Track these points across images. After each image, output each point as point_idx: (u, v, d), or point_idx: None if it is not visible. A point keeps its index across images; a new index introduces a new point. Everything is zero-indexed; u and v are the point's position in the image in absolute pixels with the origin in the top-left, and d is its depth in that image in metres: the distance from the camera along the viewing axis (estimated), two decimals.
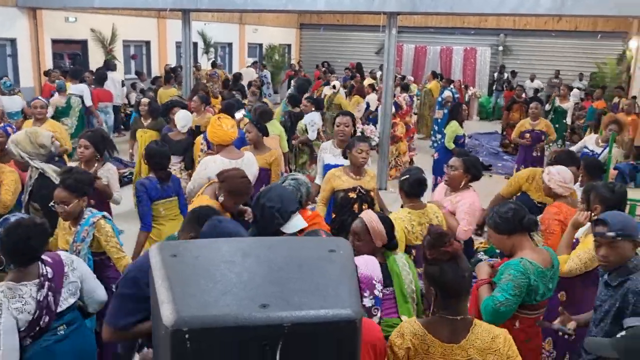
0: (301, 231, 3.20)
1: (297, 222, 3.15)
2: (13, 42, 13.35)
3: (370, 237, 3.03)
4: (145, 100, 7.51)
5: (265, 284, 1.35)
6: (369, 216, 3.10)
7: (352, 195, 4.63)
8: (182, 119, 6.35)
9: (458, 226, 4.17)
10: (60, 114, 8.88)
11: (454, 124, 8.38)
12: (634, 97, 13.26)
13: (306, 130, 7.77)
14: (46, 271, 2.75)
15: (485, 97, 18.83)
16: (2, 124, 5.91)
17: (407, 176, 3.95)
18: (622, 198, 3.62)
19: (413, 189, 3.95)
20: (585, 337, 2.99)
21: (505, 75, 18.75)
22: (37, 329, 2.68)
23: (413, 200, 3.97)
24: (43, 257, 2.82)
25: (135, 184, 4.65)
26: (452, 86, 14.07)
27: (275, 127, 7.06)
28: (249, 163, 4.74)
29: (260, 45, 22.06)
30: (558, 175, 4.19)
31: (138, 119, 7.61)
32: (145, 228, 4.38)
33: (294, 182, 3.72)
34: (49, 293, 2.71)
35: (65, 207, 3.46)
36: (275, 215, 3.06)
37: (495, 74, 19.34)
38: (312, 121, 7.81)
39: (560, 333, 3.17)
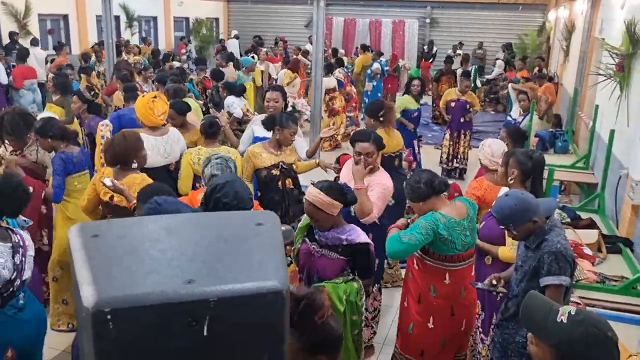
0: None
1: None
2: None
3: (325, 212, 3.08)
4: (50, 75, 7.28)
5: (192, 260, 1.33)
6: (311, 194, 3.13)
7: (276, 172, 4.63)
8: None
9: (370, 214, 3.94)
10: None
11: (405, 97, 8.52)
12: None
13: (230, 114, 7.73)
14: (17, 239, 2.84)
15: (415, 69, 19.16)
16: None
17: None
18: (540, 164, 3.81)
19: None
20: (509, 293, 3.18)
21: (435, 49, 19.08)
22: (10, 290, 2.74)
23: None
24: (7, 226, 2.91)
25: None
26: (381, 59, 14.21)
27: (191, 103, 6.95)
28: (175, 139, 4.66)
29: (187, 19, 21.44)
30: (488, 149, 4.37)
31: (49, 95, 7.36)
32: (55, 195, 4.32)
33: (220, 161, 3.68)
34: (23, 259, 2.80)
35: None
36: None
37: (425, 47, 19.65)
38: (231, 104, 7.78)
39: (494, 293, 3.35)
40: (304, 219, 3.41)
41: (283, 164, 4.63)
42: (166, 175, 4.50)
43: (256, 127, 5.39)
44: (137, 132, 4.06)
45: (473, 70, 13.92)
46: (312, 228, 3.33)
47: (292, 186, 4.67)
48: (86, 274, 1.26)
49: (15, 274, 2.76)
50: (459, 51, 18.10)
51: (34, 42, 13.07)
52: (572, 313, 1.95)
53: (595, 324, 1.93)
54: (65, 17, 16.41)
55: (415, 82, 8.74)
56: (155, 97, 4.59)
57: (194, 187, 4.45)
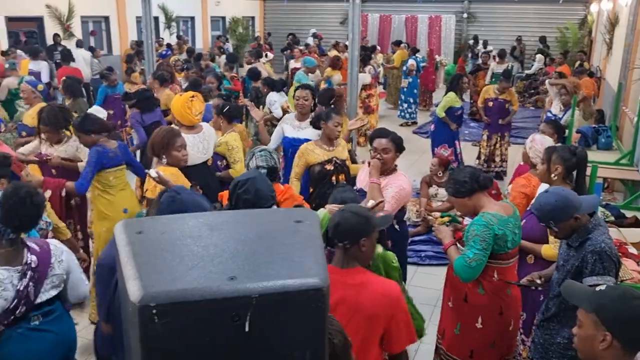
0: None
1: None
2: None
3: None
4: (64, 79, 7.31)
5: (233, 257, 1.35)
6: (331, 211, 3.10)
7: (329, 167, 4.63)
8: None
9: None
10: (14, 97, 8.53)
11: (451, 94, 8.39)
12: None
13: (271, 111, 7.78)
14: (31, 260, 2.64)
15: (451, 64, 18.91)
16: None
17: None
18: (583, 160, 3.72)
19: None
20: (551, 293, 3.12)
21: (481, 43, 18.65)
22: (12, 318, 2.59)
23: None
24: (30, 244, 2.71)
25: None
26: (417, 55, 14.09)
27: None
28: (209, 135, 4.72)
29: (224, 18, 21.67)
30: (539, 146, 4.26)
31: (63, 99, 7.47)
32: (78, 185, 4.33)
33: (264, 153, 3.74)
34: (30, 283, 2.61)
35: None
36: (249, 209, 3.01)
37: (471, 42, 19.20)
38: (273, 102, 7.80)
39: (533, 288, 3.30)
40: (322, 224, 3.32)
41: (336, 160, 4.65)
42: (206, 171, 4.57)
43: (286, 127, 5.39)
44: (176, 130, 4.12)
45: (509, 67, 13.67)
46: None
47: (344, 181, 4.68)
48: (132, 269, 1.29)
49: (16, 302, 2.58)
50: (516, 45, 17.77)
51: (79, 44, 13.46)
52: (610, 284, 2.00)
53: (631, 290, 2.02)
54: (107, 19, 16.81)
55: (464, 79, 8.72)
56: (193, 96, 4.65)
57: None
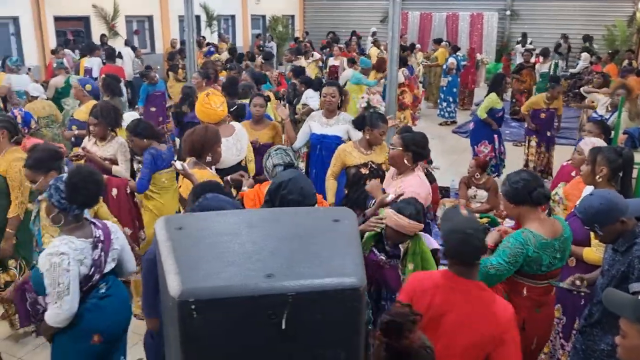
0: None
1: None
2: (15, 20, 13.29)
3: (402, 234, 3.08)
4: (103, 77, 7.39)
5: (271, 254, 1.36)
6: (389, 218, 3.10)
7: (364, 171, 4.59)
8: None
9: None
10: (60, 95, 8.78)
11: (492, 95, 8.24)
12: None
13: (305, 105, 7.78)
14: (99, 233, 2.92)
15: (493, 63, 18.57)
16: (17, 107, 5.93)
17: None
18: (629, 162, 3.60)
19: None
20: (594, 298, 3.02)
21: (530, 40, 18.18)
22: (89, 284, 2.86)
23: None
24: (93, 220, 3.01)
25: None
26: (457, 53, 13.90)
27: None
28: (241, 136, 4.74)
29: (264, 16, 21.83)
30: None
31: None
32: (138, 185, 4.46)
33: (279, 151, 3.76)
34: (102, 253, 2.89)
35: (33, 185, 3.67)
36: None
37: (519, 39, 18.71)
38: (310, 97, 7.80)
39: (575, 292, 3.20)
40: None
41: (372, 163, 4.60)
42: (241, 170, 4.60)
43: (313, 123, 5.37)
44: (217, 128, 4.15)
45: (553, 65, 13.33)
46: (381, 237, 3.28)
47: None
48: (172, 264, 1.32)
49: (93, 269, 2.84)
50: (562, 43, 17.32)
51: (127, 43, 13.79)
52: None
53: None
54: (150, 18, 17.15)
55: (506, 79, 8.54)
56: (207, 93, 4.71)
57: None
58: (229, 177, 4.13)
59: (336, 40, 17.40)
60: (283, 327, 1.24)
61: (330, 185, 4.72)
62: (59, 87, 8.87)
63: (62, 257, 2.73)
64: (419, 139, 3.96)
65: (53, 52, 12.40)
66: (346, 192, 4.72)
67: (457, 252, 2.45)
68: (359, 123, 4.71)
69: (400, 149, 3.88)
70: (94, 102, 6.24)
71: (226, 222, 1.53)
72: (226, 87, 6.57)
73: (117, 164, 4.71)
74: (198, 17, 17.48)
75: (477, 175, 6.09)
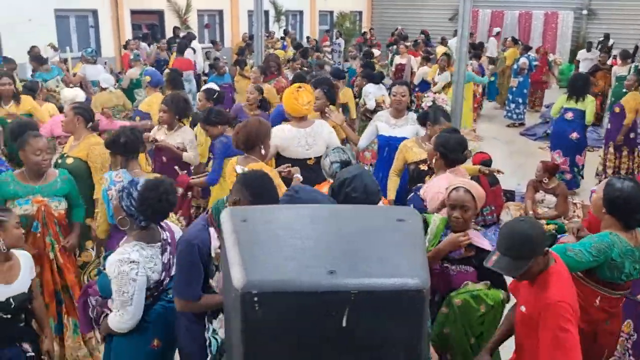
0: None
1: None
2: (94, 13, 13.89)
3: (476, 204, 2.95)
4: (167, 72, 7.52)
5: (334, 250, 1.35)
6: (467, 182, 3.01)
7: (424, 167, 4.51)
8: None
9: None
10: (134, 86, 9.11)
11: (564, 97, 7.90)
12: None
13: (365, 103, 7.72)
14: (166, 236, 2.86)
15: (567, 64, 17.86)
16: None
17: None
18: None
19: None
20: None
21: (612, 41, 17.30)
22: (160, 289, 2.82)
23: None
24: (161, 222, 2.92)
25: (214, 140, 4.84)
26: (529, 53, 13.45)
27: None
28: (319, 131, 4.67)
29: (331, 12, 21.87)
30: None
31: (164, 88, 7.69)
32: (210, 178, 4.52)
33: (337, 149, 3.69)
34: (170, 257, 2.82)
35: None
36: None
37: (601, 39, 17.80)
38: (366, 92, 7.73)
39: None
40: (435, 231, 3.11)
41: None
42: (306, 169, 4.53)
43: (380, 124, 5.19)
44: (269, 123, 4.15)
45: (633, 69, 12.66)
46: None
47: None
48: (236, 256, 1.33)
49: (164, 274, 2.79)
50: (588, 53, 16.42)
51: (193, 36, 14.14)
52: None
53: None
54: (220, 13, 17.54)
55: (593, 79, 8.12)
56: (299, 87, 4.69)
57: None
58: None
59: (403, 38, 17.19)
60: (343, 324, 1.23)
61: (392, 182, 4.65)
62: (134, 78, 9.21)
63: (132, 265, 2.65)
64: (452, 142, 3.77)
65: (125, 45, 12.91)
66: (408, 187, 4.65)
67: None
68: (423, 119, 4.64)
69: (432, 147, 3.83)
70: (158, 94, 6.44)
71: (290, 217, 1.53)
72: (295, 82, 6.57)
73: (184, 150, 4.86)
74: (267, 13, 17.72)
75: (545, 180, 5.87)
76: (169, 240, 2.85)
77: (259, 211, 1.63)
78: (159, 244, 2.81)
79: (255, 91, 6.33)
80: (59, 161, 4.32)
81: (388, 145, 5.04)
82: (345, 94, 7.52)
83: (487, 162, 5.57)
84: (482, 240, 3.03)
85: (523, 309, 2.48)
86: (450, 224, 2.98)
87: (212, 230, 2.61)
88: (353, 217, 1.59)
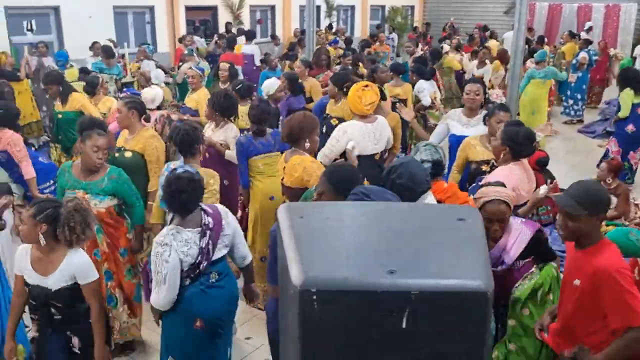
0: None
1: (426, 202, 2.99)
2: (151, 9, 14.22)
3: (511, 209, 2.95)
4: (224, 65, 7.52)
5: (393, 249, 1.33)
6: (501, 192, 2.96)
7: (485, 167, 4.37)
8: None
9: None
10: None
11: (628, 91, 7.56)
12: None
13: (419, 99, 7.56)
14: (208, 221, 2.96)
15: (628, 58, 17.14)
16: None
17: None
18: None
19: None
20: None
21: None
22: (197, 271, 2.93)
23: None
24: (205, 207, 3.03)
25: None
26: (589, 47, 12.96)
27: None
28: (382, 127, 4.65)
29: (383, 7, 21.68)
30: None
31: (216, 83, 7.68)
32: (241, 182, 4.55)
33: (429, 147, 3.60)
34: (210, 241, 2.93)
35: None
36: (404, 194, 2.87)
37: None
38: (420, 88, 7.58)
39: None
40: None
41: (495, 161, 4.41)
42: (373, 164, 4.46)
43: (452, 123, 5.03)
44: (315, 116, 4.14)
45: None
46: None
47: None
48: (294, 253, 1.33)
49: (200, 257, 2.88)
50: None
51: (240, 32, 14.25)
52: None
53: None
54: (273, 8, 17.64)
55: None
56: (366, 86, 4.61)
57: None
58: None
59: (456, 32, 16.88)
60: (403, 325, 1.21)
61: (452, 177, 4.54)
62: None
63: (165, 248, 2.82)
64: (521, 136, 3.70)
65: (180, 40, 13.13)
66: (467, 186, 4.55)
67: None
68: (485, 117, 4.53)
69: (499, 141, 3.73)
70: (204, 90, 6.52)
71: (349, 214, 1.52)
72: (335, 80, 6.46)
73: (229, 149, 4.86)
74: (318, 8, 17.72)
75: (608, 179, 5.64)
76: (211, 226, 2.95)
77: (317, 207, 1.62)
78: (199, 229, 2.92)
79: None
80: (117, 155, 4.43)
81: (458, 144, 4.81)
82: (405, 90, 7.33)
83: (544, 160, 5.39)
84: (525, 225, 2.96)
85: (577, 282, 2.47)
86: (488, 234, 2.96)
87: None
88: (413, 215, 1.56)
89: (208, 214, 2.99)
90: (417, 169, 2.96)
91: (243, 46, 11.65)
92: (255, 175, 4.55)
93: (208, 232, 2.93)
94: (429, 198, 3.02)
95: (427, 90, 7.59)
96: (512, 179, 3.57)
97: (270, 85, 6.36)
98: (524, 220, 3.05)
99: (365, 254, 1.31)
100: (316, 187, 2.81)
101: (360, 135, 4.30)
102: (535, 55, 10.02)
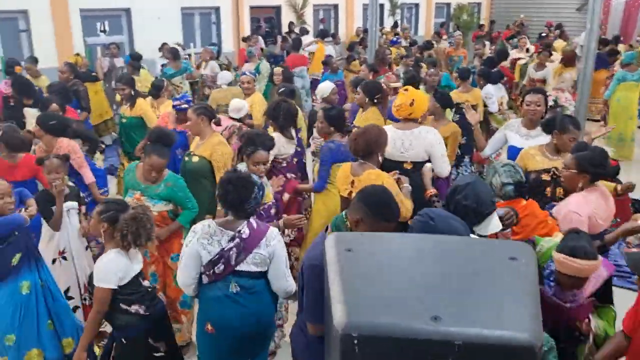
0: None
1: (491, 225, 2.88)
2: (217, 10, 14.53)
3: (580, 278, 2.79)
4: (278, 69, 7.50)
5: (439, 293, 1.30)
6: (563, 264, 2.69)
7: (546, 177, 4.21)
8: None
9: None
10: None
11: None
12: None
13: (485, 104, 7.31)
14: (243, 231, 2.96)
15: None
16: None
17: None
18: None
19: None
20: None
21: None
22: (212, 271, 2.93)
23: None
24: (252, 221, 3.01)
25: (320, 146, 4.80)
26: None
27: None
28: (420, 136, 4.49)
29: (448, 4, 21.27)
30: None
31: (273, 89, 7.68)
32: (317, 186, 4.44)
33: (508, 168, 3.50)
34: (234, 249, 2.92)
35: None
36: (468, 215, 2.80)
37: None
38: (487, 94, 7.32)
39: None
40: (540, 258, 2.93)
41: (556, 171, 4.13)
42: (401, 172, 4.38)
43: (511, 134, 4.81)
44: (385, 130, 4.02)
45: None
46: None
47: (562, 196, 4.21)
48: (338, 291, 1.32)
49: (217, 257, 2.88)
50: None
51: (303, 31, 14.33)
52: None
53: None
54: (336, 7, 17.64)
55: None
56: (405, 89, 4.51)
57: None
58: None
59: (524, 32, 16.32)
60: None
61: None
62: (249, 72, 9.51)
63: (192, 234, 2.95)
64: (597, 157, 3.48)
65: (245, 39, 13.33)
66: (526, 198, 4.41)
67: None
68: (548, 125, 4.32)
69: (575, 171, 3.49)
70: (258, 94, 6.59)
71: (397, 249, 1.50)
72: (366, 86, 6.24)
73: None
74: (382, 6, 17.58)
75: None
76: (244, 236, 2.94)
77: (366, 240, 1.61)
78: (231, 233, 2.94)
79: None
80: (186, 159, 4.56)
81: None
82: (475, 96, 7.06)
83: (615, 169, 5.15)
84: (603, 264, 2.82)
85: None
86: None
87: None
88: (463, 253, 1.52)
89: (249, 226, 2.98)
90: (483, 190, 2.87)
91: (326, 47, 11.49)
92: (330, 182, 4.40)
93: (237, 239, 2.92)
94: (494, 220, 2.93)
95: (495, 96, 7.34)
96: (586, 208, 3.40)
97: (325, 88, 6.35)
98: (601, 257, 2.88)
99: (411, 296, 1.29)
100: (346, 211, 2.71)
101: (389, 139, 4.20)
102: (623, 57, 9.52)
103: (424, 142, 4.41)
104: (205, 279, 2.97)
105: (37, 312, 3.62)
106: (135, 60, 8.95)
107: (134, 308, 3.04)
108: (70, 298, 4.05)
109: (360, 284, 1.34)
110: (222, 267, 2.92)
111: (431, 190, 3.76)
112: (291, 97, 6.14)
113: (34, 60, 8.60)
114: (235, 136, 5.54)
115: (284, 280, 3.06)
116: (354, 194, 3.58)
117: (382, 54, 9.49)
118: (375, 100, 5.58)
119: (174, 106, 5.49)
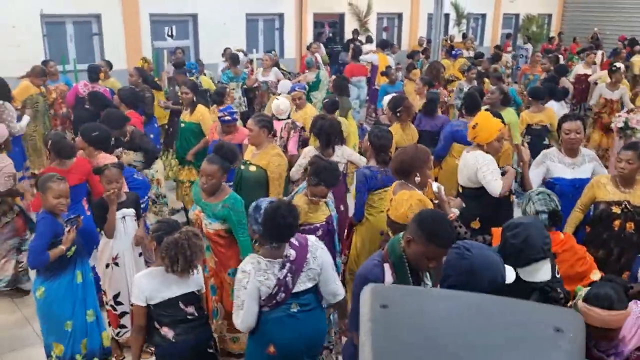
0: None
1: (539, 273, 2.79)
2: (281, 16, 14.70)
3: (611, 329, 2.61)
4: (331, 78, 7.50)
5: None
6: (588, 316, 2.47)
7: (616, 209, 4.02)
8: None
9: None
10: (311, 89, 9.42)
11: None
12: None
13: None
14: (289, 253, 3.00)
15: None
16: None
17: None
18: None
19: None
20: None
21: None
22: (274, 302, 2.97)
23: None
24: (291, 240, 3.05)
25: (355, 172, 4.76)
26: None
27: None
28: (465, 161, 4.34)
29: (517, 15, 20.72)
30: None
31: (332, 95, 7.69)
32: (354, 217, 4.37)
33: (542, 196, 3.38)
34: (289, 274, 2.97)
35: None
36: (512, 256, 2.74)
37: None
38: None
39: None
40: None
41: (628, 204, 3.98)
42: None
43: (553, 165, 4.55)
44: (427, 149, 3.93)
45: None
46: None
47: (632, 231, 4.00)
48: (369, 355, 1.28)
49: (277, 289, 2.92)
50: None
51: (368, 40, 14.30)
52: None
53: None
54: (400, 16, 17.53)
55: None
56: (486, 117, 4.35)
57: None
58: None
59: (598, 46, 15.62)
60: None
61: (574, 216, 4.25)
62: (309, 81, 9.56)
63: (244, 275, 2.93)
64: None
65: (308, 47, 13.41)
66: (588, 229, 4.21)
67: None
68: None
69: (637, 163, 3.46)
70: (309, 106, 6.61)
71: (435, 310, 1.43)
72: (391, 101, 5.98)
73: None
74: (447, 15, 17.31)
75: None
76: (292, 258, 2.98)
77: (405, 295, 1.55)
78: (280, 260, 2.97)
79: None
80: (242, 167, 4.61)
81: (573, 188, 4.47)
82: (548, 115, 6.81)
83: None
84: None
85: None
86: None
87: (386, 266, 2.71)
88: (504, 318, 1.43)
89: (292, 246, 3.02)
90: (536, 235, 2.76)
91: (388, 57, 11.44)
92: (368, 209, 4.36)
93: (288, 265, 2.96)
94: (544, 268, 2.80)
95: (558, 114, 7.07)
96: None
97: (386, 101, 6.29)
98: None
99: None
100: (404, 233, 2.73)
101: None
102: None
103: (469, 169, 4.33)
104: (266, 309, 3.00)
105: (85, 302, 3.82)
106: (178, 67, 8.92)
107: (164, 330, 3.08)
108: (120, 303, 4.18)
109: (391, 350, 1.29)
110: (282, 295, 2.97)
111: (452, 215, 3.67)
112: (332, 110, 6.16)
113: (109, 64, 8.96)
114: (293, 132, 5.64)
115: (333, 284, 3.16)
116: (390, 212, 3.60)
117: (437, 69, 9.33)
118: (398, 114, 5.58)
119: (219, 117, 5.59)
